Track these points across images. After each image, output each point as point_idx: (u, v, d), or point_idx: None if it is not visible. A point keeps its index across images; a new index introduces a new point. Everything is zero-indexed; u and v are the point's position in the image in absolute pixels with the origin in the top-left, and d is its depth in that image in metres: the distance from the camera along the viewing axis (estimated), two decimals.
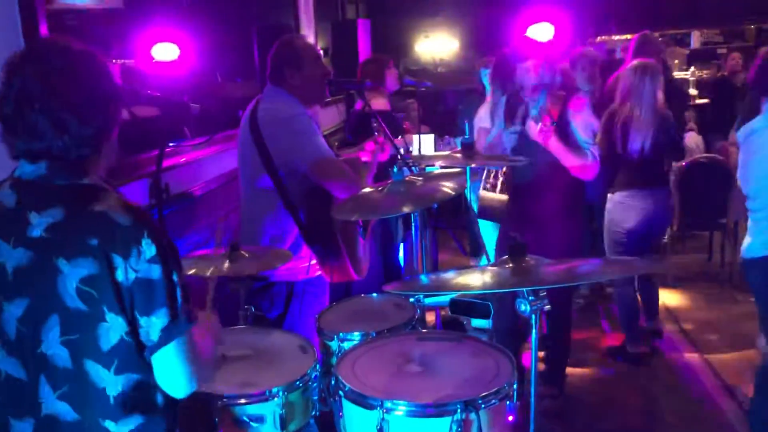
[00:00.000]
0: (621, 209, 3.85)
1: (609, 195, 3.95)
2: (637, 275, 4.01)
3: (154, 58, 3.31)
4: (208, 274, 2.24)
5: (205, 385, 1.56)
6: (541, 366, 3.47)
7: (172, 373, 1.43)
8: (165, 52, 3.54)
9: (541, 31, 5.18)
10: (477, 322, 3.83)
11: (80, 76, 1.38)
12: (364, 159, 2.89)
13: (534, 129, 2.99)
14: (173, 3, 4.56)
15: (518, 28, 5.09)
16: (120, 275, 1.35)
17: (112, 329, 1.37)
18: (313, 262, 2.78)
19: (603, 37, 8.47)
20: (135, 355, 1.40)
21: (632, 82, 3.74)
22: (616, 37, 8.22)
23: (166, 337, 1.39)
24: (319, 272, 2.81)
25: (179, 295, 1.40)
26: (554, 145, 3.02)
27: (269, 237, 2.77)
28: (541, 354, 3.45)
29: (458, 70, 7.99)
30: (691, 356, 4.11)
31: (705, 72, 8.18)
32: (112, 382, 1.39)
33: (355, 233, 2.83)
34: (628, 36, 8.97)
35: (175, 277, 1.40)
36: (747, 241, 2.80)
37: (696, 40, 9.22)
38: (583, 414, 3.53)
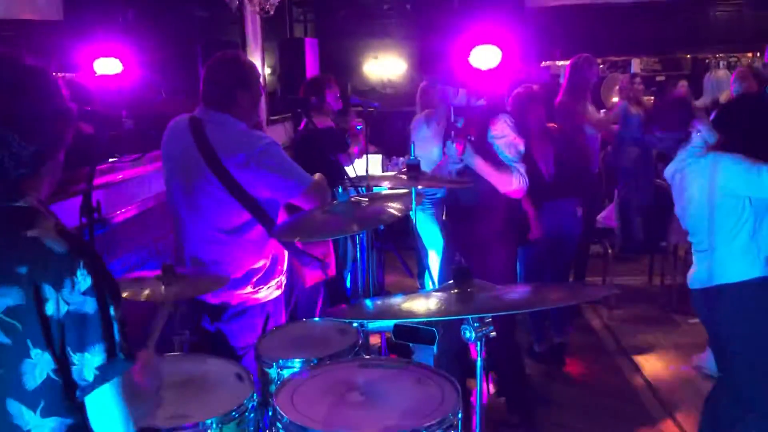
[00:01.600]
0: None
1: None
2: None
3: (96, 73, 3.19)
4: (142, 298, 2.13)
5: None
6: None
7: (107, 416, 1.31)
8: (108, 66, 3.43)
9: (487, 55, 5.26)
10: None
11: (26, 91, 1.29)
12: None
13: (451, 148, 3.00)
14: (116, 17, 4.43)
15: (463, 51, 5.14)
16: (50, 308, 1.24)
17: (38, 366, 1.25)
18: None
19: (547, 62, 8.66)
20: (65, 396, 1.28)
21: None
22: (560, 63, 8.41)
23: (102, 377, 1.27)
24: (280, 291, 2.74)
25: (117, 331, 1.29)
26: (474, 161, 3.03)
27: (244, 264, 2.59)
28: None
29: (406, 91, 8.02)
30: (631, 376, 4.15)
31: (646, 98, 8.45)
32: (38, 425, 1.26)
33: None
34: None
35: (111, 312, 1.28)
36: (692, 271, 2.84)
37: (636, 66, 9.53)
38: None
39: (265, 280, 2.65)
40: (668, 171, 2.88)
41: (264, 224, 2.55)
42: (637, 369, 4.24)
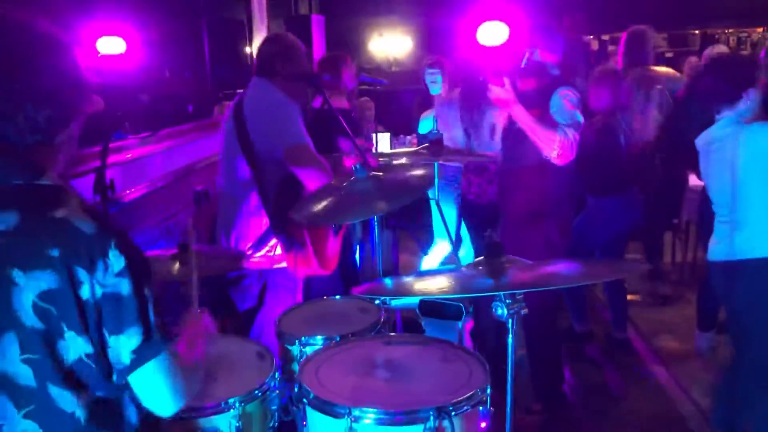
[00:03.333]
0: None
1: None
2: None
3: (99, 52, 3.14)
4: (158, 277, 2.10)
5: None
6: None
7: (154, 393, 1.30)
8: (111, 45, 3.37)
9: (494, 31, 5.17)
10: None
11: (40, 56, 1.25)
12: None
13: (495, 90, 2.84)
14: None
15: (470, 28, 5.06)
16: (85, 291, 1.20)
17: (71, 349, 1.22)
18: (278, 252, 2.70)
19: None
20: (100, 377, 1.26)
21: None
22: None
23: (139, 359, 1.26)
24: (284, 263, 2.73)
25: (152, 312, 1.27)
26: (517, 111, 2.84)
27: (241, 226, 2.74)
28: None
29: (412, 69, 7.95)
30: (647, 357, 4.13)
31: None
32: (77, 406, 1.25)
33: (327, 229, 2.77)
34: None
35: (146, 292, 1.26)
36: (713, 242, 2.79)
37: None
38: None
39: (257, 247, 2.75)
40: (700, 141, 2.77)
41: (260, 189, 2.70)
42: (649, 346, 4.22)
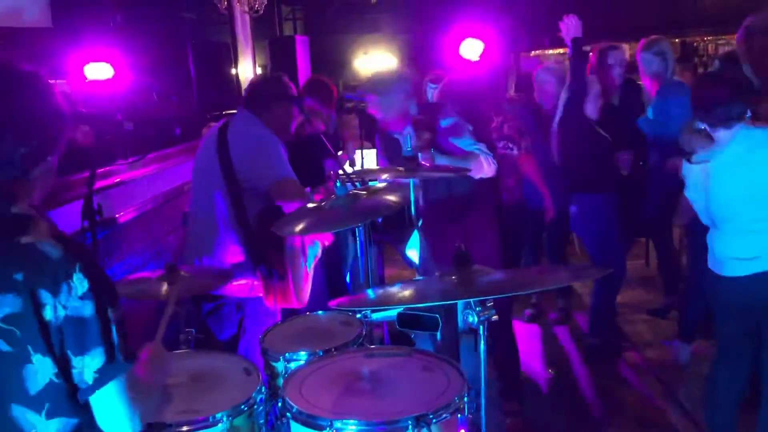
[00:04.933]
0: None
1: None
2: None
3: (86, 78, 3.20)
4: (146, 297, 2.16)
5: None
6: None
7: (112, 416, 1.33)
8: (98, 71, 3.44)
9: (477, 46, 5.28)
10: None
11: (19, 95, 1.31)
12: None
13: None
14: (105, 21, 4.43)
15: (453, 43, 5.17)
16: (48, 313, 1.25)
17: (40, 372, 1.26)
18: (256, 282, 2.72)
19: (537, 52, 8.69)
20: (68, 397, 1.30)
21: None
22: (550, 51, 8.45)
23: (101, 379, 1.29)
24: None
25: (115, 334, 1.31)
26: (440, 164, 2.94)
27: (218, 254, 2.77)
28: None
29: None
30: (633, 361, 4.18)
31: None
32: (44, 427, 1.28)
33: (302, 263, 2.82)
34: (561, 50, 9.25)
35: (110, 314, 1.30)
36: (734, 255, 2.72)
37: (625, 52, 9.58)
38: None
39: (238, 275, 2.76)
40: (722, 158, 2.67)
41: (240, 219, 2.76)
42: (638, 354, 4.26)
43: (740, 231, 2.68)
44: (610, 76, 4.27)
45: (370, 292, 1.99)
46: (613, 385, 3.89)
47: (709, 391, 2.99)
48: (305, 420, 1.76)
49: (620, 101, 4.34)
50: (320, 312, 2.56)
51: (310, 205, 2.49)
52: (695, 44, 9.64)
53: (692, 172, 2.80)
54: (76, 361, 1.28)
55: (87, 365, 1.28)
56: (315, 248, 2.87)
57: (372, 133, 4.24)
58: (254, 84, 3.03)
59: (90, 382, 1.29)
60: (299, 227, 2.44)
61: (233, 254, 2.81)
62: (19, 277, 1.24)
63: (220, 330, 2.79)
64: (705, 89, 2.71)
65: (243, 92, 3.08)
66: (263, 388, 2.01)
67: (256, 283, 2.75)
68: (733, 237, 2.71)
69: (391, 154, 3.21)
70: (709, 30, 9.43)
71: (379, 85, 3.13)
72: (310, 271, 2.88)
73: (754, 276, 2.65)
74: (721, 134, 2.64)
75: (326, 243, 2.92)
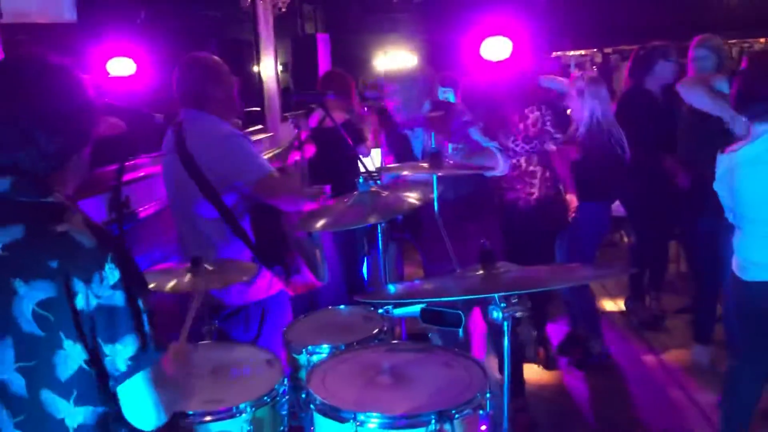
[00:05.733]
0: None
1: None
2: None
3: (109, 74, 3.24)
4: (170, 289, 2.18)
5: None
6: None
7: (140, 405, 1.35)
8: (121, 67, 3.47)
9: (498, 46, 5.26)
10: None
11: (51, 89, 1.34)
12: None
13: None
14: (129, 17, 4.48)
15: (473, 43, 5.16)
16: (80, 301, 1.28)
17: (70, 357, 1.29)
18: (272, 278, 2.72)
19: (558, 53, 8.66)
20: (97, 385, 1.32)
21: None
22: (571, 53, 8.42)
23: (135, 366, 1.32)
24: (280, 288, 2.76)
25: (146, 323, 1.34)
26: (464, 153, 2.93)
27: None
28: None
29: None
30: (654, 366, 4.15)
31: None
32: (71, 414, 1.31)
33: (310, 242, 2.77)
34: (583, 51, 9.21)
35: (140, 304, 1.33)
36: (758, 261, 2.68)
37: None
38: (551, 426, 3.54)
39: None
40: (749, 152, 2.61)
41: (233, 228, 2.60)
42: (658, 359, 4.24)
43: (763, 234, 2.65)
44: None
45: (391, 287, 2.01)
46: (632, 390, 3.87)
47: (726, 396, 2.97)
48: (328, 412, 1.77)
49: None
50: (342, 306, 2.58)
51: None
52: None
53: (721, 164, 2.73)
54: (108, 349, 1.31)
55: (119, 353, 1.31)
56: None
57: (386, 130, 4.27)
58: (179, 77, 2.70)
59: (123, 370, 1.31)
60: (320, 223, 2.47)
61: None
62: (54, 264, 1.27)
63: (243, 332, 2.66)
64: (750, 81, 2.65)
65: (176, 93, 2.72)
66: (285, 380, 2.04)
67: (272, 278, 2.72)
68: (755, 240, 2.67)
69: (399, 151, 3.21)
70: (734, 33, 9.33)
71: (401, 75, 3.14)
72: (320, 243, 2.85)
73: None
74: (756, 128, 2.60)
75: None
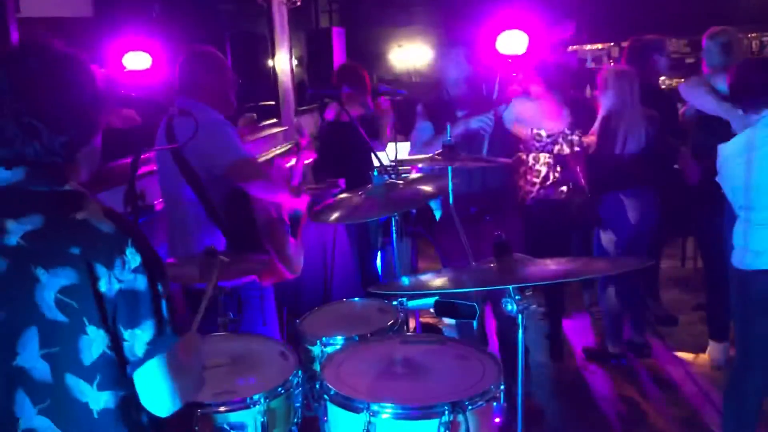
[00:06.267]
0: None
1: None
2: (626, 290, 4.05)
3: (125, 67, 3.25)
4: (185, 280, 2.19)
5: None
6: None
7: (155, 391, 1.36)
8: (137, 61, 3.49)
9: (514, 39, 5.22)
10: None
11: (56, 81, 1.33)
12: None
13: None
14: (144, 11, 4.50)
15: (489, 37, 5.12)
16: (103, 286, 1.29)
17: (95, 343, 1.30)
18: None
19: (575, 47, 8.58)
20: (118, 370, 1.34)
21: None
22: (588, 47, 8.34)
23: (152, 351, 1.32)
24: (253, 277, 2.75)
25: (165, 308, 1.35)
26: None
27: (199, 242, 2.67)
28: None
29: (433, 79, 8.03)
30: (668, 361, 4.13)
31: (675, 81, 8.33)
32: (94, 398, 1.32)
33: (284, 233, 2.79)
34: (599, 45, 9.13)
35: (160, 289, 1.34)
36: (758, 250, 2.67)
37: (670, 47, 9.39)
38: (563, 416, 3.53)
39: None
40: (735, 143, 2.65)
41: (207, 209, 2.67)
42: (672, 354, 4.21)
43: (757, 222, 2.64)
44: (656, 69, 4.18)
45: (405, 279, 2.01)
46: (648, 388, 3.84)
47: (731, 393, 2.93)
48: (342, 402, 1.78)
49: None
50: (356, 299, 2.59)
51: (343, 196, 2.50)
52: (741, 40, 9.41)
53: (722, 155, 2.74)
54: (127, 335, 1.32)
55: (138, 338, 1.32)
56: (296, 214, 2.85)
57: (407, 125, 4.25)
58: (179, 68, 2.84)
59: (140, 355, 1.32)
60: (334, 216, 2.48)
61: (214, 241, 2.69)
62: (76, 251, 1.28)
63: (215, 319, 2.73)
64: (742, 72, 2.70)
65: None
66: (299, 371, 2.04)
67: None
68: (750, 228, 2.66)
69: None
70: (754, 27, 9.20)
71: None
72: (299, 239, 2.86)
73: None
74: (752, 119, 2.62)
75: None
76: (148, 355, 1.33)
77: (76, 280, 1.28)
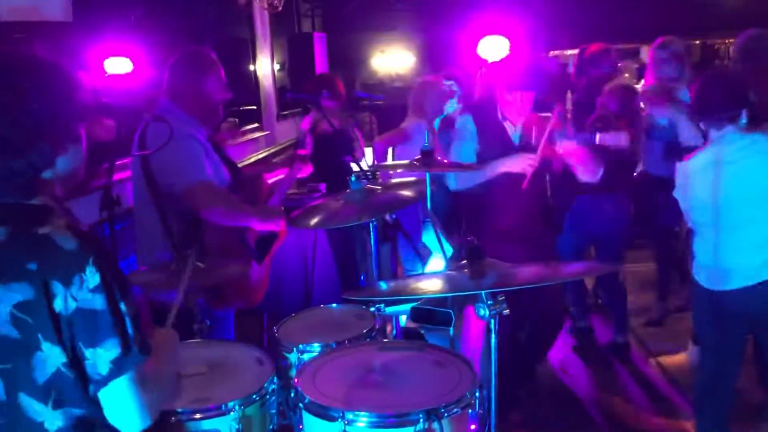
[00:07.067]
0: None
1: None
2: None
3: (106, 72, 3.23)
4: (161, 287, 2.17)
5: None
6: None
7: (123, 410, 1.32)
8: (118, 65, 3.46)
9: (495, 45, 5.26)
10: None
11: (29, 92, 1.29)
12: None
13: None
14: (125, 16, 4.48)
15: (471, 42, 5.16)
16: (59, 304, 1.26)
17: (49, 360, 1.27)
18: None
19: (555, 52, 8.64)
20: (76, 389, 1.30)
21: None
22: (569, 52, 8.39)
23: (117, 370, 1.29)
24: None
25: (129, 326, 1.31)
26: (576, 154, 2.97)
27: (160, 256, 2.64)
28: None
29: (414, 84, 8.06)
30: (646, 362, 4.16)
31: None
32: (50, 417, 1.29)
33: (245, 258, 2.65)
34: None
35: (122, 307, 1.30)
36: (738, 267, 2.65)
37: (645, 54, 9.48)
38: (543, 417, 3.55)
39: None
40: (700, 160, 2.65)
41: (162, 219, 2.60)
42: (651, 355, 4.24)
43: (727, 241, 2.63)
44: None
45: (383, 284, 2.00)
46: (627, 391, 3.86)
47: (699, 404, 2.96)
48: (317, 411, 1.77)
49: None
50: (334, 305, 2.58)
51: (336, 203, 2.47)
52: (716, 46, 9.54)
53: (679, 173, 2.75)
54: (88, 353, 1.28)
55: (100, 356, 1.28)
56: (271, 235, 2.76)
57: (387, 130, 4.25)
58: (169, 70, 2.70)
59: (104, 374, 1.29)
60: (314, 221, 2.47)
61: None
62: (33, 266, 1.26)
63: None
64: (703, 88, 2.69)
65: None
66: (275, 378, 2.03)
67: None
68: (720, 247, 2.65)
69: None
70: (730, 33, 9.32)
71: None
72: (263, 265, 2.78)
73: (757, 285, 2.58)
74: (711, 134, 2.63)
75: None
76: (113, 374, 1.29)
77: (31, 296, 1.25)
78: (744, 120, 2.58)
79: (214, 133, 2.88)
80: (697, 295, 2.81)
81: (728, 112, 2.57)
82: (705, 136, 2.77)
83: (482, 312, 1.60)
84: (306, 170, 3.17)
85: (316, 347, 2.18)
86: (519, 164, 2.93)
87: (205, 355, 2.16)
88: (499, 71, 3.21)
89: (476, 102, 3.86)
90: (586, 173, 3.05)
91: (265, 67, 6.21)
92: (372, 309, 2.36)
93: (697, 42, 9.87)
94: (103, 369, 1.29)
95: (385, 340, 2.28)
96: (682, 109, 3.37)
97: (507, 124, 3.09)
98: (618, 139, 3.02)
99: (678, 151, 3.79)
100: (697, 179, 2.66)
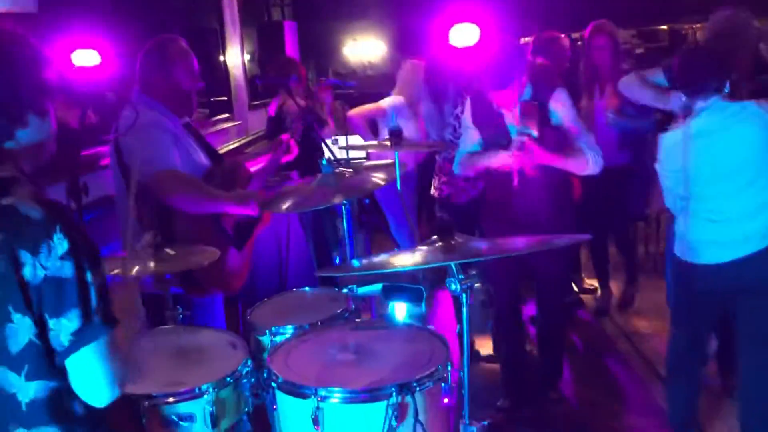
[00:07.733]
0: None
1: None
2: None
3: (74, 64, 3.17)
4: (133, 273, 2.15)
5: (131, 386, 1.43)
6: None
7: (89, 381, 1.31)
8: (85, 58, 3.42)
9: (465, 33, 5.26)
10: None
11: None
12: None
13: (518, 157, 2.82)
14: (91, 6, 4.40)
15: (442, 30, 5.15)
16: (27, 272, 1.25)
17: (20, 331, 1.27)
18: None
19: (526, 39, 8.67)
20: (46, 360, 1.29)
21: None
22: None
23: (78, 341, 1.28)
24: None
25: (94, 296, 1.30)
26: (545, 158, 2.84)
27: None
28: None
29: (387, 72, 8.04)
30: (622, 345, 4.22)
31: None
32: (23, 388, 1.29)
33: (223, 246, 2.63)
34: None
35: (89, 277, 1.29)
36: (706, 242, 2.68)
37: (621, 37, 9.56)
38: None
39: None
40: (690, 129, 2.64)
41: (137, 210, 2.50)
42: (627, 338, 4.31)
43: (695, 212, 2.67)
44: None
45: (355, 262, 2.01)
46: (614, 378, 3.89)
47: (672, 383, 3.00)
48: (290, 389, 1.78)
49: None
50: (307, 288, 2.58)
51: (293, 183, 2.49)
52: (684, 32, 9.65)
53: (664, 144, 2.76)
54: (52, 323, 1.28)
55: (64, 327, 1.28)
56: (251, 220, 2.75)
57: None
58: (139, 60, 2.73)
59: (66, 345, 1.28)
60: (285, 205, 2.47)
61: None
62: None
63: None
64: (686, 61, 2.72)
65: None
66: (249, 361, 2.03)
67: None
68: (689, 218, 2.69)
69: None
70: (697, 17, 9.45)
71: None
72: (243, 251, 2.77)
73: (730, 262, 2.61)
74: (697, 105, 2.64)
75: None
76: (74, 345, 1.28)
77: None
78: (727, 89, 2.60)
79: (191, 120, 2.86)
80: (670, 262, 2.86)
81: (714, 83, 2.59)
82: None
83: (453, 286, 1.62)
84: (292, 154, 3.18)
85: (289, 329, 2.19)
86: (499, 160, 2.91)
87: (179, 340, 2.15)
88: (474, 73, 3.16)
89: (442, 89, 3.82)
90: (574, 170, 2.99)
91: (235, 57, 6.15)
92: (345, 290, 2.36)
93: (665, 27, 9.98)
94: (65, 340, 1.28)
95: (358, 320, 2.28)
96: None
97: (504, 113, 3.03)
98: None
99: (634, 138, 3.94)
100: (672, 152, 2.67)
